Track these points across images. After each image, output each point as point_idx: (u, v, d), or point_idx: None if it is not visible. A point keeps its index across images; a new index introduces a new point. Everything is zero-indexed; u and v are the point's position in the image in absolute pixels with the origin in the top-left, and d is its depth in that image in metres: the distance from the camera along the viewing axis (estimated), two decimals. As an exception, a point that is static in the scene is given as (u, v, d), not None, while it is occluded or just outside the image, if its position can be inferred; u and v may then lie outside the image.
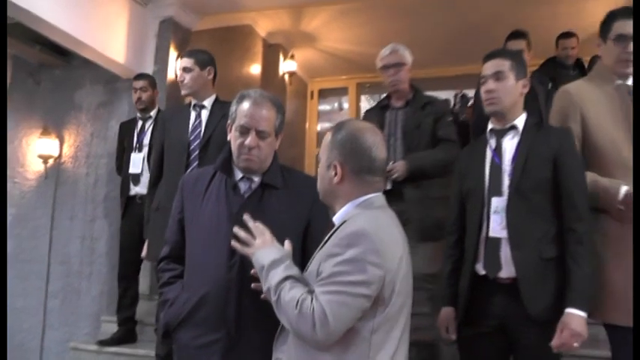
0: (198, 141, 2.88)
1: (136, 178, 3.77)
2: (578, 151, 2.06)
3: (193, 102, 2.96)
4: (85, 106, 4.70)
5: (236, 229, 1.67)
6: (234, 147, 1.90)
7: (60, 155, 4.72)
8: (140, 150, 3.82)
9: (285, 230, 1.85)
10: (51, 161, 4.73)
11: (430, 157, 2.81)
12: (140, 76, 4.01)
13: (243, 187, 1.93)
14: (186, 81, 2.95)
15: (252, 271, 1.64)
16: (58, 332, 4.41)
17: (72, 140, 4.71)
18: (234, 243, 1.67)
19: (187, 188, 2.00)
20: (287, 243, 1.67)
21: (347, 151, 1.55)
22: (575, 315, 1.85)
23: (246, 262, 1.78)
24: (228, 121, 1.94)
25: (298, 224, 1.92)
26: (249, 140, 1.85)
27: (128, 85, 4.26)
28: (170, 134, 2.96)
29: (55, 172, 4.72)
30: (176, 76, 4.61)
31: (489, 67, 2.11)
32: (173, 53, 4.63)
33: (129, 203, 3.82)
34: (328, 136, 1.61)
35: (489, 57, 2.14)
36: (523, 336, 1.96)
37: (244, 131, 1.86)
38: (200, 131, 2.90)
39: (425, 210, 2.76)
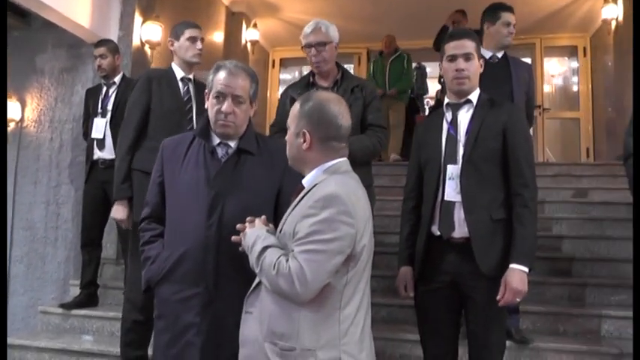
0: (192, 114, 2.99)
1: (101, 143, 3.76)
2: (525, 124, 2.28)
3: (182, 74, 3.02)
4: (48, 70, 4.61)
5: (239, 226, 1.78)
6: (211, 114, 2.02)
7: (22, 119, 4.64)
8: (104, 115, 3.83)
9: (259, 193, 2.03)
10: (12, 125, 4.64)
11: (359, 142, 2.63)
12: (99, 43, 3.99)
13: (220, 152, 2.05)
14: (201, 48, 3.05)
15: (233, 239, 1.77)
16: (23, 297, 4.40)
17: (34, 104, 4.62)
18: (234, 238, 1.78)
19: (167, 153, 2.12)
20: (271, 226, 1.78)
21: (314, 121, 1.67)
22: (516, 270, 2.07)
23: (223, 223, 1.94)
24: (206, 90, 2.05)
25: (271, 188, 2.07)
26: (225, 106, 1.97)
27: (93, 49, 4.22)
28: (162, 99, 2.93)
29: (16, 136, 4.63)
30: (142, 43, 4.62)
31: (458, 47, 2.25)
32: (138, 19, 4.60)
33: (92, 168, 3.83)
34: (297, 106, 1.73)
35: (456, 36, 2.29)
36: (474, 291, 2.16)
37: (220, 97, 1.98)
38: (191, 105, 3.00)
39: None
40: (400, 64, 6.64)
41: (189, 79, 3.05)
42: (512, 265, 2.08)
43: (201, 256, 1.95)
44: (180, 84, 3.01)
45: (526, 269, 2.08)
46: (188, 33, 3.00)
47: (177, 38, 3.01)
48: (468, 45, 2.25)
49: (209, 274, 1.95)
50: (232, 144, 2.06)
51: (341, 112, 1.69)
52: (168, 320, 2.00)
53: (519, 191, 2.14)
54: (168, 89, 2.96)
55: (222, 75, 1.99)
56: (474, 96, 2.28)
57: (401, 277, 2.36)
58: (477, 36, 2.34)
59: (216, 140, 2.06)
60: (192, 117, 2.98)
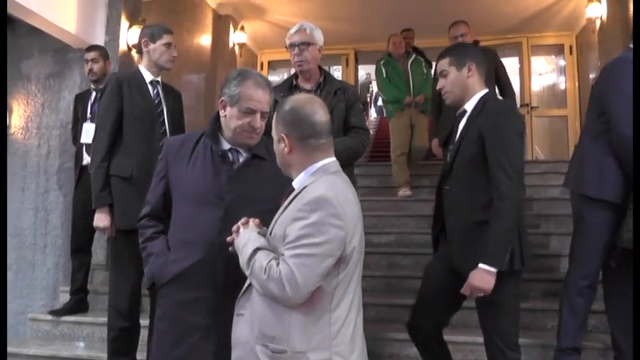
0: (163, 116, 2.97)
1: (90, 148, 3.76)
2: (507, 126, 2.24)
3: (151, 77, 3.01)
4: (34, 76, 4.57)
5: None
6: (235, 124, 2.01)
7: (9, 126, 4.59)
8: (93, 120, 3.80)
9: (270, 199, 1.97)
10: (-1, 132, 4.60)
11: (343, 144, 2.65)
12: (91, 48, 4.02)
13: (231, 157, 2.07)
14: (176, 56, 3.04)
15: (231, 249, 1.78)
16: (12, 305, 4.34)
17: (21, 111, 4.58)
18: (228, 238, 1.79)
19: (172, 152, 2.13)
20: (264, 228, 1.79)
21: (289, 123, 1.69)
22: (481, 269, 2.16)
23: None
24: (224, 97, 2.03)
25: (279, 193, 2.06)
26: (257, 123, 2.01)
27: (80, 55, 4.21)
28: (133, 102, 2.90)
29: (3, 143, 4.59)
30: (129, 48, 4.61)
31: (437, 68, 2.48)
32: (124, 23, 4.59)
33: (82, 173, 3.82)
34: (274, 115, 1.76)
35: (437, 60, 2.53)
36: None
37: (250, 113, 2.00)
38: (162, 108, 2.99)
39: None
40: (420, 68, 5.66)
41: (158, 82, 3.04)
42: (479, 264, 2.17)
43: (212, 262, 1.96)
44: (150, 87, 2.99)
45: (490, 268, 2.15)
46: (166, 38, 2.98)
47: (154, 41, 2.98)
48: (441, 64, 2.42)
49: (218, 280, 1.97)
50: (242, 150, 2.08)
51: (314, 109, 1.70)
52: (173, 322, 2.01)
53: (492, 194, 2.21)
54: (139, 92, 2.94)
55: (251, 88, 2.00)
56: (469, 105, 2.38)
57: None
58: (461, 47, 2.53)
59: (227, 145, 2.08)
60: (164, 120, 2.97)
